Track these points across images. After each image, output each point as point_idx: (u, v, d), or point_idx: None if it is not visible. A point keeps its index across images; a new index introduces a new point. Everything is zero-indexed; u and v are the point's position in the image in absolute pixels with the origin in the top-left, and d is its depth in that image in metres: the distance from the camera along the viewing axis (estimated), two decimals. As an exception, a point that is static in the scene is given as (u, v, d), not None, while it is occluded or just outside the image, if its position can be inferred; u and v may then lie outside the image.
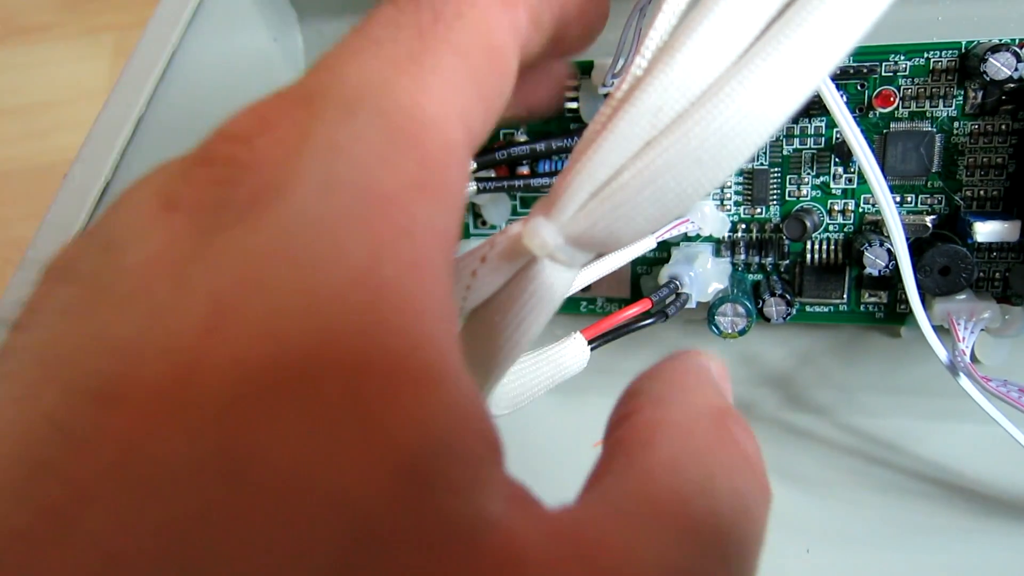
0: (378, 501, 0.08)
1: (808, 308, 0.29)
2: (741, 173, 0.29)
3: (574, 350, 0.20)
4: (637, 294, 0.31)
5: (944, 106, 0.26)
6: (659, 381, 0.13)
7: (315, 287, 0.09)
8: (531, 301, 0.13)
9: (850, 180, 0.28)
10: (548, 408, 0.36)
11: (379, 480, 0.08)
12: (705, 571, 0.10)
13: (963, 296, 0.27)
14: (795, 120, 0.28)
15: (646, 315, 0.24)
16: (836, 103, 0.21)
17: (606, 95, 0.29)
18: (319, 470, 0.08)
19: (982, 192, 0.27)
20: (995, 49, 0.24)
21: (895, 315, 0.29)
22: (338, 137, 0.10)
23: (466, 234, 0.32)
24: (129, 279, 0.09)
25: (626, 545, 0.09)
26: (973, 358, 0.28)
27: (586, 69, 0.29)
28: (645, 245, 0.24)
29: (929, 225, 0.27)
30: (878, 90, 0.27)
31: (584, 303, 0.32)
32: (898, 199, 0.27)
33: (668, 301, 0.26)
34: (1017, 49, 0.24)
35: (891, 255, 0.26)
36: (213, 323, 0.08)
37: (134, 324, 0.08)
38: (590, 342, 0.20)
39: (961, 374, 0.24)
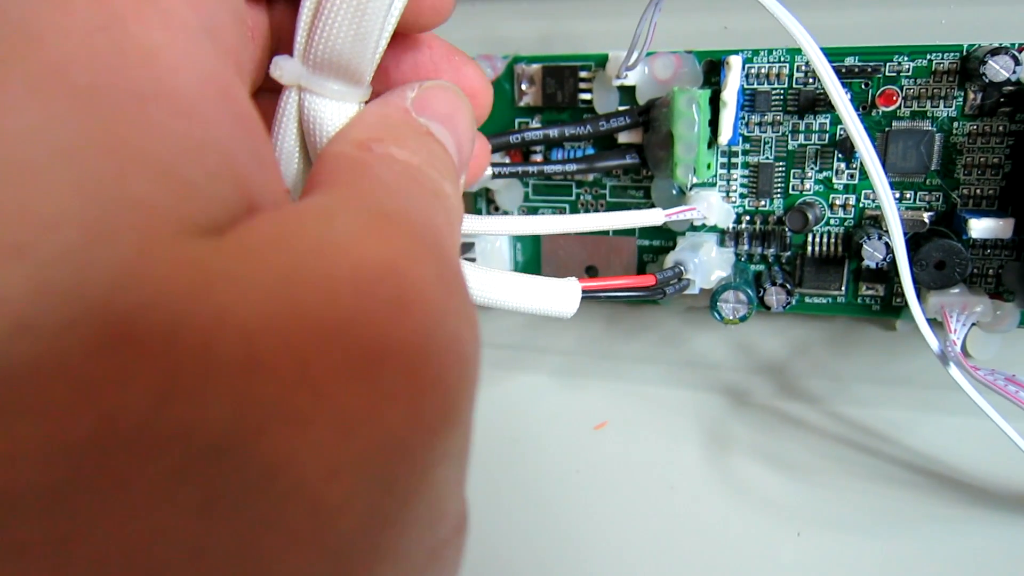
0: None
1: (807, 299, 0.30)
2: (747, 166, 0.30)
3: (566, 288, 0.21)
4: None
5: (944, 106, 0.27)
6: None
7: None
8: (290, 125, 0.16)
9: (852, 176, 0.29)
10: (549, 391, 0.36)
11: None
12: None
13: (957, 290, 0.27)
14: (801, 116, 0.29)
15: (646, 289, 0.25)
16: (841, 100, 0.22)
17: (620, 87, 0.30)
18: None
19: (978, 191, 0.28)
20: (995, 52, 0.25)
21: (891, 308, 0.30)
22: None
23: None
24: None
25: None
26: (965, 351, 0.29)
27: (600, 61, 0.30)
28: (650, 219, 0.25)
29: (926, 221, 0.28)
30: (881, 89, 0.27)
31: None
32: (897, 195, 0.28)
33: (670, 282, 0.27)
34: (1016, 53, 0.25)
35: (889, 249, 0.26)
36: None
37: None
38: (584, 291, 0.21)
39: (951, 363, 0.25)
